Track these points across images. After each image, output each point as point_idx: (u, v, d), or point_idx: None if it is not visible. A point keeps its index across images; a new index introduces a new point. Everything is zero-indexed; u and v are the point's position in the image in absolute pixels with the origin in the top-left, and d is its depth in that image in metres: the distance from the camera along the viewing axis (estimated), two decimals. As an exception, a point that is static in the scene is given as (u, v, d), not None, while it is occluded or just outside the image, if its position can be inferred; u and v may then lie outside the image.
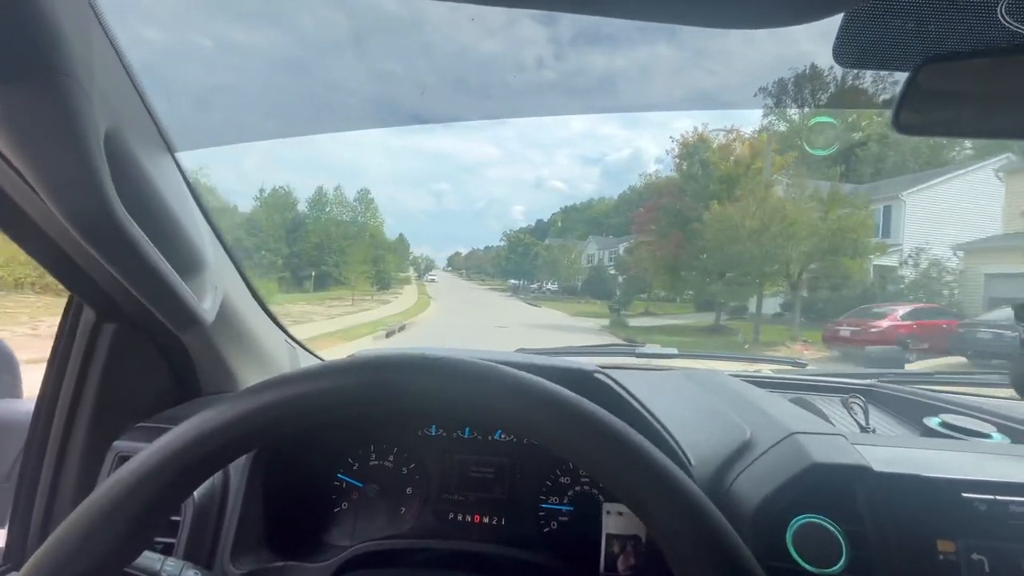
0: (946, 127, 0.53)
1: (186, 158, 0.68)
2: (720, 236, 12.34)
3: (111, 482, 0.36)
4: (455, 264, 75.02)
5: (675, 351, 1.29)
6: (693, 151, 15.42)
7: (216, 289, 0.67)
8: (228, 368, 0.79)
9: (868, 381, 1.05)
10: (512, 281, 41.49)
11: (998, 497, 0.53)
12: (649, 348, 1.30)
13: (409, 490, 0.81)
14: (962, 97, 0.53)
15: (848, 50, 0.55)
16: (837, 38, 0.54)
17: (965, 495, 0.53)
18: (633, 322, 15.47)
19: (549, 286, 34.30)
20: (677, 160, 16.13)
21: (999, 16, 0.50)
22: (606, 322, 15.22)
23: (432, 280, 47.12)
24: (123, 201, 0.46)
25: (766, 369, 1.22)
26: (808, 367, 1.21)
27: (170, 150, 0.62)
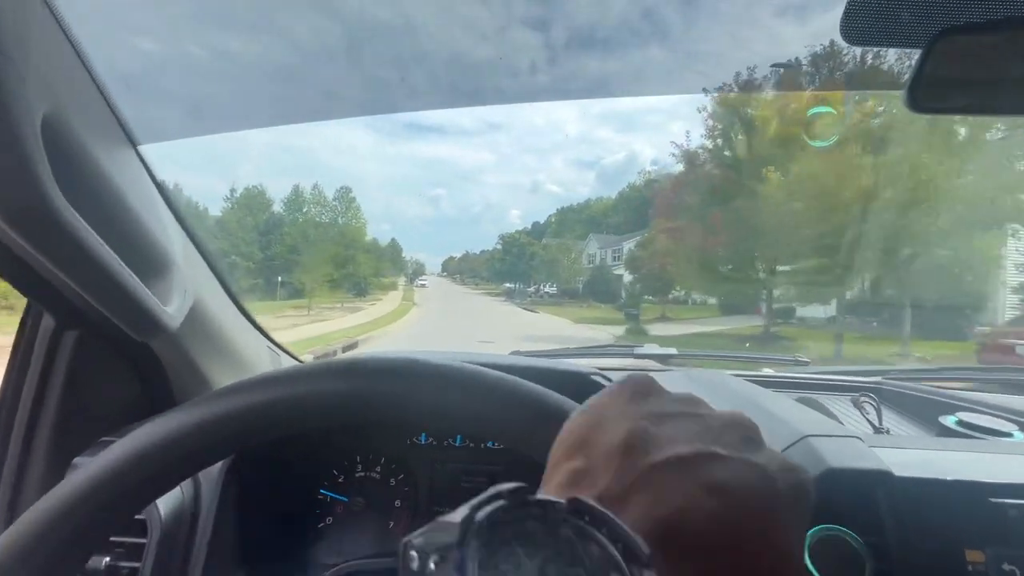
0: (962, 105, 0.50)
1: (160, 154, 0.63)
2: (793, 210, 8.73)
3: (42, 502, 0.33)
4: (449, 268, 73.18)
5: (674, 351, 1.25)
6: (733, 108, 11.75)
7: (185, 292, 0.62)
8: (203, 376, 0.74)
9: (874, 379, 1.02)
10: (507, 285, 39.90)
11: None
12: (648, 348, 1.26)
13: (398, 503, 0.76)
14: (978, 73, 0.49)
15: (856, 26, 0.51)
16: (845, 13, 0.50)
17: (993, 500, 0.49)
18: (654, 330, 13.18)
19: (547, 289, 32.92)
20: (711, 122, 12.34)
21: (1017, -15, 0.47)
22: (619, 331, 13.01)
23: (422, 285, 44.67)
24: (69, 195, 0.41)
25: (768, 369, 1.19)
26: (810, 365, 1.17)
27: (132, 143, 0.57)
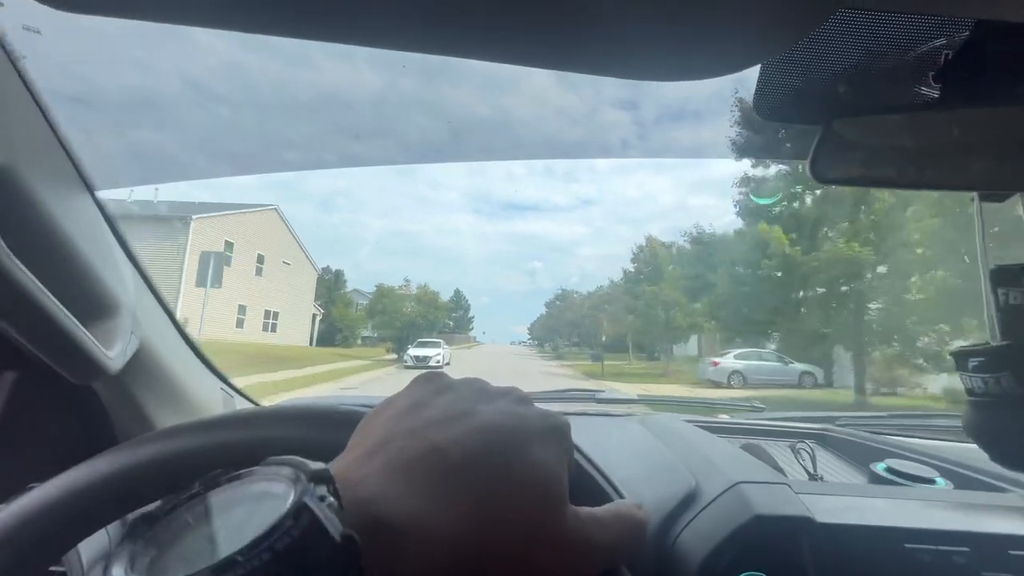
0: (859, 178, 0.55)
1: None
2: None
3: None
4: (535, 332, 56.26)
5: (635, 397, 1.27)
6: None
7: (132, 335, 0.62)
8: (147, 418, 0.73)
9: (821, 425, 1.05)
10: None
11: (940, 547, 0.51)
12: (609, 394, 1.28)
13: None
14: (872, 150, 0.55)
15: (765, 103, 0.57)
16: (756, 91, 0.57)
17: (908, 546, 0.52)
18: None
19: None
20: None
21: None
22: None
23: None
24: (12, 240, 0.43)
25: (724, 415, 1.21)
26: (765, 411, 1.20)
27: (89, 188, 0.59)
